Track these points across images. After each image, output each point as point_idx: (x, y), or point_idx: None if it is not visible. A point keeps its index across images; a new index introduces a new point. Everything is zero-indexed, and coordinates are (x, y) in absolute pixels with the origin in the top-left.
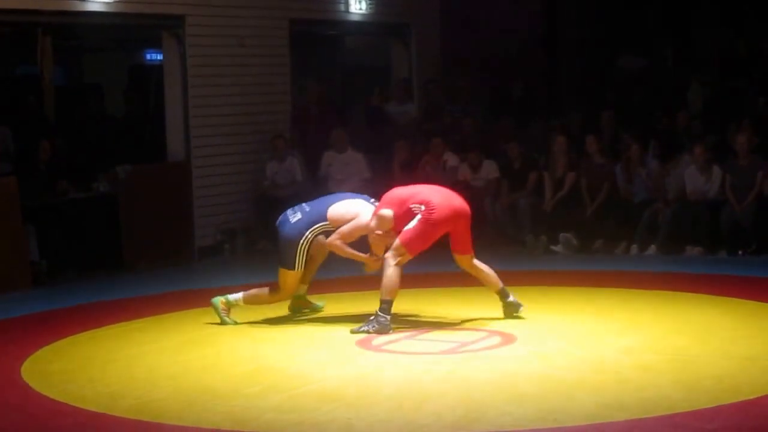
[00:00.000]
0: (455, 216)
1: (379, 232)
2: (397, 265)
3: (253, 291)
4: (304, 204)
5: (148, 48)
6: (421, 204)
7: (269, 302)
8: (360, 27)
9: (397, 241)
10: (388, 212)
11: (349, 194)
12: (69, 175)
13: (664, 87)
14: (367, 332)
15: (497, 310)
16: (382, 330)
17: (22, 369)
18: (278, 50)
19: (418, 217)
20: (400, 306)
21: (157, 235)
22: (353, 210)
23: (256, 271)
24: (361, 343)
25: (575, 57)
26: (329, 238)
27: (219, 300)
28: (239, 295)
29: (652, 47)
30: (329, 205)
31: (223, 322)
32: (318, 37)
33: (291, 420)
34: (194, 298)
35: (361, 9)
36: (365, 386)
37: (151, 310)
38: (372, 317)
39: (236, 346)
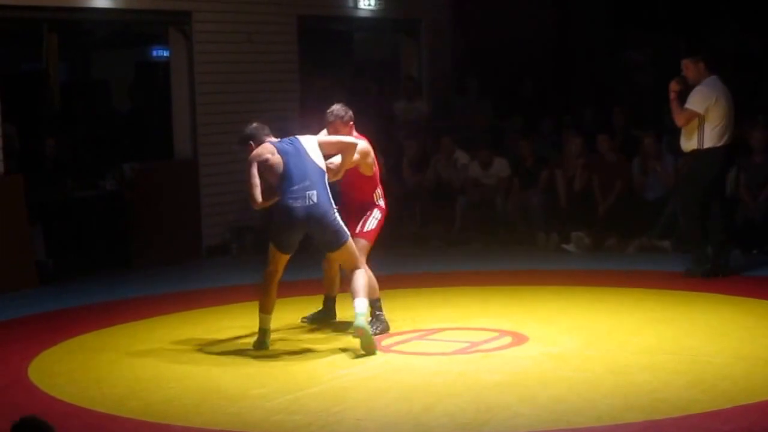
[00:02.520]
0: None
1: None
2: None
3: (359, 286)
4: (306, 182)
5: (155, 44)
6: (379, 190)
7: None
8: (369, 23)
9: (364, 242)
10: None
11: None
12: (75, 173)
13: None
14: (373, 335)
15: (509, 309)
16: (385, 329)
17: (29, 369)
18: (286, 46)
19: (378, 214)
20: (410, 306)
21: (165, 234)
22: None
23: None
24: None
25: (587, 52)
26: None
27: (364, 323)
28: (363, 302)
29: (664, 42)
30: (313, 165)
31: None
32: (327, 34)
33: (299, 421)
34: (201, 297)
35: (370, 5)
36: (374, 387)
37: (158, 309)
38: (371, 319)
39: (243, 346)
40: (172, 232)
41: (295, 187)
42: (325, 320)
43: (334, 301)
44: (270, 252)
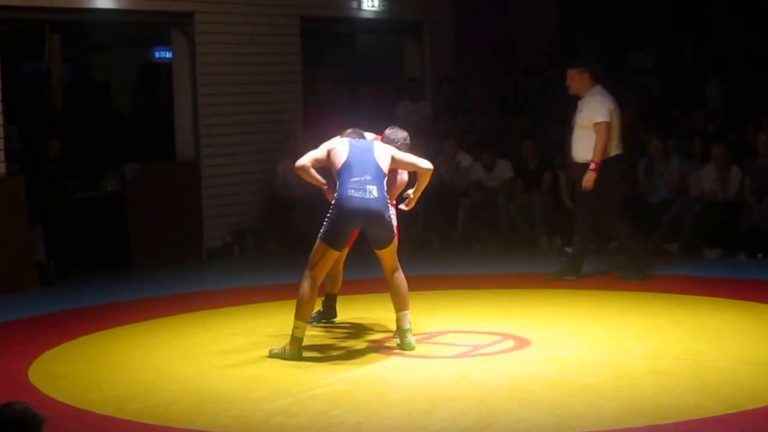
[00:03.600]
0: None
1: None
2: None
3: (405, 296)
4: (367, 176)
5: (157, 45)
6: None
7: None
8: (372, 24)
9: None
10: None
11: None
12: (77, 174)
13: (682, 83)
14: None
15: (511, 313)
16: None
17: (30, 371)
18: (289, 48)
19: (394, 212)
20: (412, 309)
21: (166, 236)
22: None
23: (265, 272)
24: (372, 346)
25: (593, 54)
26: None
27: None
28: (405, 318)
29: (669, 43)
30: (377, 164)
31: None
32: (330, 35)
33: (299, 424)
34: (202, 299)
35: (373, 6)
36: (375, 390)
37: (159, 311)
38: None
39: (244, 348)
40: (174, 234)
41: (356, 179)
42: (326, 320)
43: (335, 300)
44: (317, 252)
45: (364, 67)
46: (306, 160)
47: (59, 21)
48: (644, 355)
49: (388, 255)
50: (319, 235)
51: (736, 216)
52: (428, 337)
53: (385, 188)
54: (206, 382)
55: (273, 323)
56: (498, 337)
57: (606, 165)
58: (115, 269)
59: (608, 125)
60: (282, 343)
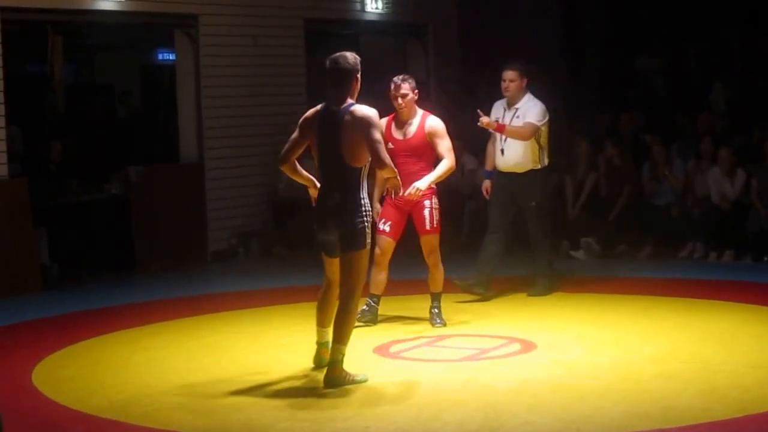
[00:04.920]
0: None
1: None
2: None
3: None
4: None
5: (161, 47)
6: None
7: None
8: (376, 26)
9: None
10: None
11: None
12: (80, 176)
13: (687, 87)
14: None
15: (517, 316)
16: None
17: (33, 374)
18: (293, 50)
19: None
20: (417, 312)
21: (170, 239)
22: None
23: (270, 275)
24: (379, 350)
25: (596, 57)
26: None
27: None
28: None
29: (674, 47)
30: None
31: None
32: (333, 37)
33: (307, 428)
34: (207, 302)
35: (377, 8)
36: (383, 393)
37: (163, 314)
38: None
39: (250, 352)
40: (178, 237)
41: None
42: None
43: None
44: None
45: (367, 70)
46: (282, 155)
47: (62, 22)
48: (651, 358)
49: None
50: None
51: (742, 219)
52: (435, 340)
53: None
54: (211, 386)
55: (278, 326)
56: (504, 341)
57: (544, 174)
58: (118, 272)
59: (537, 129)
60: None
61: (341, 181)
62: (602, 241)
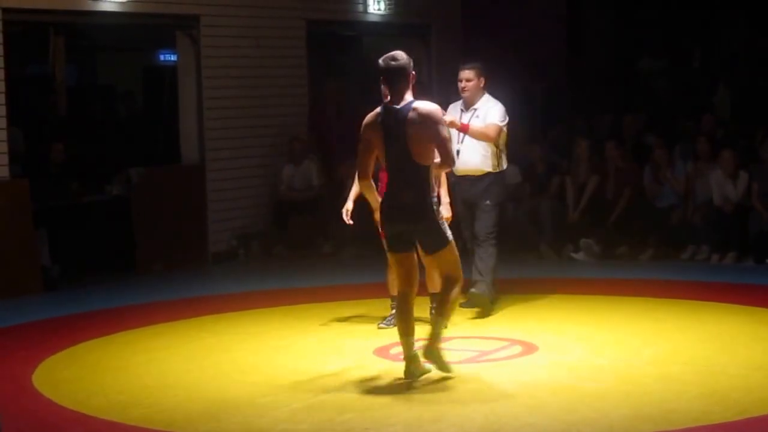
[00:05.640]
0: None
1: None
2: None
3: (434, 282)
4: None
5: (162, 48)
6: None
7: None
8: (379, 28)
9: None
10: None
11: None
12: (81, 177)
13: (691, 89)
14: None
15: (518, 318)
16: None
17: (34, 376)
18: (295, 51)
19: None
20: (418, 314)
21: (171, 240)
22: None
23: (271, 277)
24: (380, 352)
25: (599, 58)
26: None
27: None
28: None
29: (678, 48)
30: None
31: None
32: (336, 38)
33: (306, 430)
34: (208, 304)
35: (379, 9)
36: (382, 396)
37: (163, 316)
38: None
39: (250, 354)
40: (179, 238)
41: None
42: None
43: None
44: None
45: (370, 71)
46: (361, 168)
47: (64, 24)
48: (652, 360)
49: (440, 260)
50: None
51: (744, 221)
52: None
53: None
54: (211, 388)
55: (278, 328)
56: (505, 343)
57: (502, 178)
58: (119, 273)
59: (500, 130)
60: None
61: (413, 180)
62: (603, 242)
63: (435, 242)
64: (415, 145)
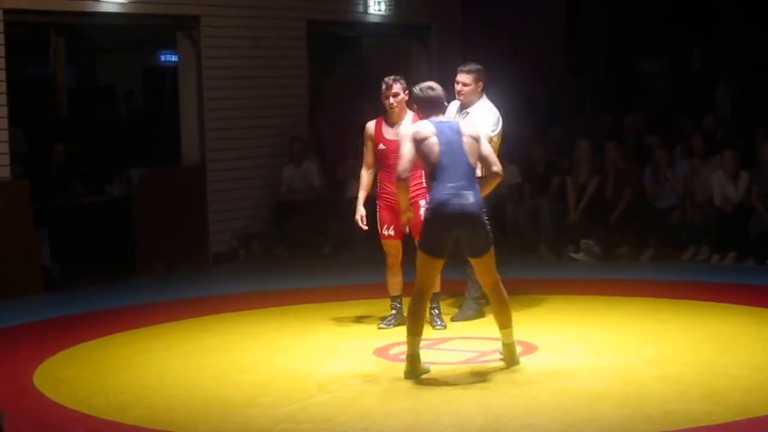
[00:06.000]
0: None
1: None
2: None
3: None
4: (461, 181)
5: (163, 49)
6: None
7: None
8: (379, 28)
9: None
10: None
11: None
12: (82, 178)
13: (691, 89)
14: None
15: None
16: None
17: (35, 375)
18: (295, 52)
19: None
20: None
21: (171, 240)
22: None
23: (271, 277)
24: (379, 353)
25: (599, 59)
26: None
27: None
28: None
29: (679, 49)
30: (470, 161)
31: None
32: (336, 39)
33: (305, 430)
34: (208, 304)
35: (380, 10)
36: (382, 396)
37: (164, 316)
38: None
39: (249, 354)
40: (179, 239)
41: (451, 184)
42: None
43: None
44: (417, 262)
45: (370, 71)
46: (405, 168)
47: (64, 25)
48: (652, 361)
49: (489, 265)
50: (417, 244)
51: (744, 222)
52: (434, 343)
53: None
54: (211, 388)
55: (278, 328)
56: None
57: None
58: (120, 274)
59: (494, 140)
60: (291, 352)
61: (471, 184)
62: (602, 243)
63: (485, 244)
64: (469, 153)
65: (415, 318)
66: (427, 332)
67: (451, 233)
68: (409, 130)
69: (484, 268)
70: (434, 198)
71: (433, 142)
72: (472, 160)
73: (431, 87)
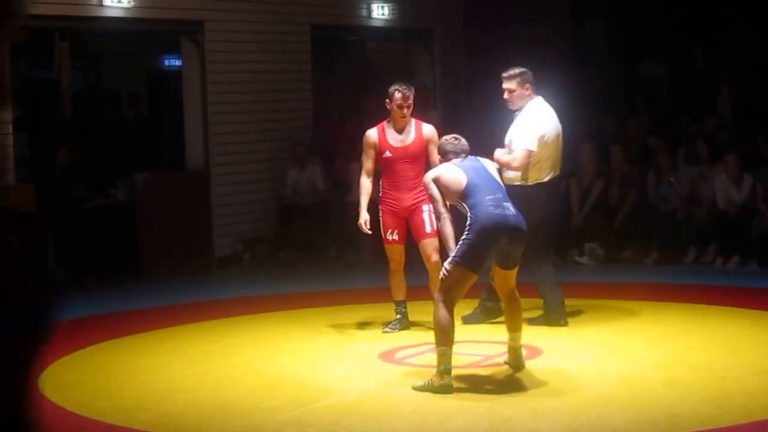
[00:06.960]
0: None
1: None
2: None
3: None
4: (497, 193)
5: (167, 54)
6: None
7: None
8: (382, 33)
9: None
10: None
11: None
12: (86, 182)
13: (693, 92)
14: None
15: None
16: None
17: (39, 380)
18: (299, 56)
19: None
20: (422, 318)
21: (176, 244)
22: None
23: (276, 281)
24: (384, 356)
25: (603, 62)
26: None
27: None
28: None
29: (680, 51)
30: (498, 179)
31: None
32: (340, 43)
33: None
34: (213, 308)
35: (383, 14)
36: (387, 400)
37: (168, 320)
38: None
39: (255, 358)
40: (184, 243)
41: (490, 197)
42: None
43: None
44: (451, 275)
45: (374, 75)
46: (441, 212)
47: (69, 29)
48: (657, 364)
49: (515, 274)
50: (452, 259)
51: (748, 224)
52: None
53: None
54: (217, 392)
55: (283, 332)
56: None
57: (533, 190)
58: (124, 278)
59: (529, 154)
60: (296, 356)
61: (506, 197)
62: (606, 246)
63: (520, 257)
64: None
65: (451, 330)
66: (429, 336)
67: (499, 244)
68: (429, 176)
69: (510, 277)
70: (477, 216)
71: (454, 170)
72: (499, 180)
73: (456, 137)
